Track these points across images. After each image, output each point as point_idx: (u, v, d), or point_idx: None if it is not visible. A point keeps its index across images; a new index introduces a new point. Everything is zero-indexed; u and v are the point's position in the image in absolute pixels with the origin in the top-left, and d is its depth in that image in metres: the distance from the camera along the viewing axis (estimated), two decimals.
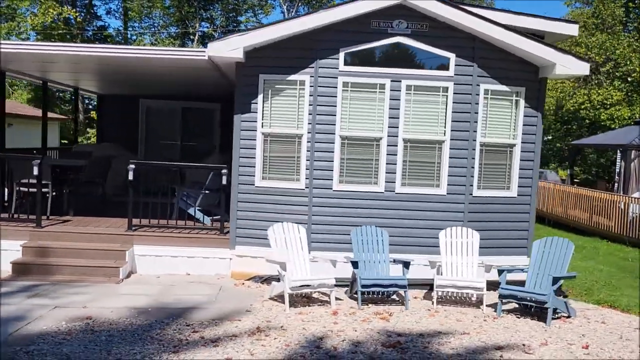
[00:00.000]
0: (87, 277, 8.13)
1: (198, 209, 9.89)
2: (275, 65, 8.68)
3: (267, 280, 8.51)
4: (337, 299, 7.74)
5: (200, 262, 8.90)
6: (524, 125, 8.99)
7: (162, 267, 8.85)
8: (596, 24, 28.96)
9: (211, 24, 39.36)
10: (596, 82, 28.86)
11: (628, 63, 27.07)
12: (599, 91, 27.61)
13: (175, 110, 15.54)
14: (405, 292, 7.53)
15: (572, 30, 9.08)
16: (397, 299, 7.91)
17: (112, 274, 8.24)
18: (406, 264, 7.73)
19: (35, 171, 8.65)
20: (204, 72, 9.72)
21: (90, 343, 5.38)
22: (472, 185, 8.85)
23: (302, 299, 7.65)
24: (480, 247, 8.69)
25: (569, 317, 7.36)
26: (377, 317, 6.92)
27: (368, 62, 8.69)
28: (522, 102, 8.94)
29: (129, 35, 40.09)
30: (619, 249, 14.91)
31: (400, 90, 8.68)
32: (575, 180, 23.89)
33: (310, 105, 8.64)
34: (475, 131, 8.81)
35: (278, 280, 7.58)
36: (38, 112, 26.96)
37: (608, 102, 27.36)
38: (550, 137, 34.13)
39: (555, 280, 7.09)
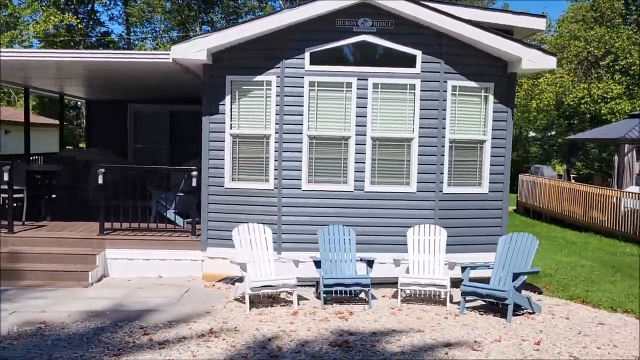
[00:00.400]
0: (56, 282, 8.18)
1: (174, 212, 9.92)
2: (242, 66, 8.69)
3: (238, 281, 8.50)
4: (303, 298, 7.75)
5: (173, 265, 8.93)
6: (494, 121, 8.92)
7: (135, 270, 8.89)
8: (595, 17, 28.70)
9: (212, 27, 39.50)
10: (596, 75, 28.60)
11: (628, 56, 26.81)
12: (598, 85, 27.35)
13: (163, 113, 15.60)
14: (368, 290, 7.50)
15: (540, 24, 9.00)
16: (365, 298, 7.88)
17: (82, 278, 8.29)
18: (369, 263, 7.70)
19: (6, 177, 8.73)
20: (178, 74, 9.73)
21: (35, 347, 5.42)
22: (442, 183, 8.80)
23: (267, 299, 7.65)
24: (452, 245, 8.67)
25: (533, 313, 7.29)
26: (337, 316, 6.90)
27: (334, 61, 8.67)
28: (491, 98, 8.87)
29: (132, 41, 40.41)
30: (611, 244, 14.75)
31: (367, 89, 8.66)
32: (573, 175, 23.67)
33: (277, 105, 8.64)
34: (444, 128, 8.76)
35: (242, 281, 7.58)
36: (40, 119, 27.26)
37: (608, 96, 27.10)
38: (553, 133, 33.89)
39: (515, 276, 7.03)
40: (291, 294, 7.53)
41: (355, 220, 8.69)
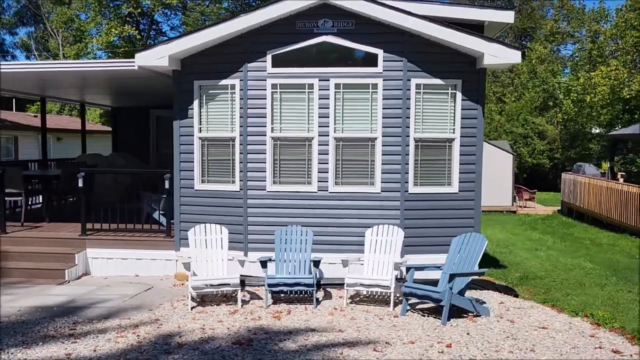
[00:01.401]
0: (34, 279, 8.72)
1: (160, 213, 10.29)
2: (208, 71, 8.92)
3: None
4: (258, 298, 7.88)
5: (149, 264, 9.29)
6: (463, 118, 8.69)
7: (114, 269, 9.32)
8: None
9: None
10: None
11: None
12: None
13: None
14: (312, 290, 7.52)
15: (508, 17, 8.71)
16: (319, 297, 7.93)
17: (58, 276, 8.78)
18: (316, 263, 7.72)
19: None
20: (165, 80, 10.05)
21: None
22: (407, 182, 8.67)
23: (221, 297, 7.82)
24: (419, 246, 8.61)
25: (478, 315, 7.05)
26: (272, 316, 6.98)
27: (296, 62, 8.73)
28: (459, 95, 8.64)
29: None
30: None
31: (329, 89, 8.67)
32: (621, 173, 22.34)
33: (241, 108, 8.81)
34: (408, 127, 8.63)
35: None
36: (94, 127, 28.78)
37: None
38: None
39: (451, 277, 6.83)
40: (251, 292, 7.66)
41: (319, 220, 8.73)
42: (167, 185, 9.23)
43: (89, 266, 9.36)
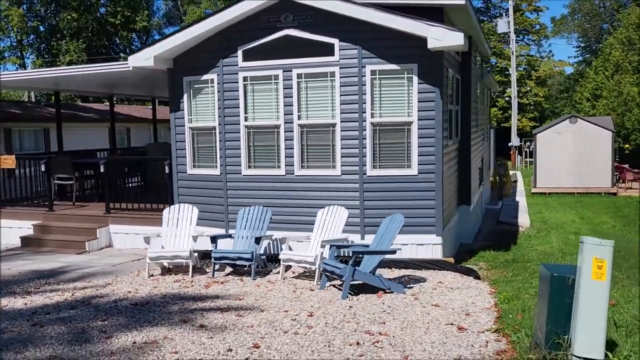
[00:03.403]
0: (62, 249, 10.49)
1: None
2: (194, 67, 9.98)
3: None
4: (222, 270, 8.81)
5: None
6: (420, 102, 8.82)
7: (131, 243, 10.81)
8: None
9: None
10: None
11: None
12: None
13: None
14: (250, 264, 8.29)
15: None
16: (274, 271, 8.69)
17: (80, 247, 10.47)
18: (257, 240, 8.45)
19: (43, 168, 11.35)
20: None
21: None
22: (365, 165, 9.03)
23: (185, 268, 8.87)
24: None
25: (390, 292, 7.35)
26: (204, 285, 7.90)
27: (263, 56, 9.44)
28: (415, 79, 8.79)
29: None
30: None
31: (292, 80, 9.28)
32: None
33: (219, 100, 9.75)
34: (365, 112, 8.97)
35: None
36: None
37: None
38: None
39: (354, 254, 7.21)
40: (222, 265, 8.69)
41: (287, 202, 9.43)
42: (167, 171, 10.49)
43: (112, 240, 10.97)
